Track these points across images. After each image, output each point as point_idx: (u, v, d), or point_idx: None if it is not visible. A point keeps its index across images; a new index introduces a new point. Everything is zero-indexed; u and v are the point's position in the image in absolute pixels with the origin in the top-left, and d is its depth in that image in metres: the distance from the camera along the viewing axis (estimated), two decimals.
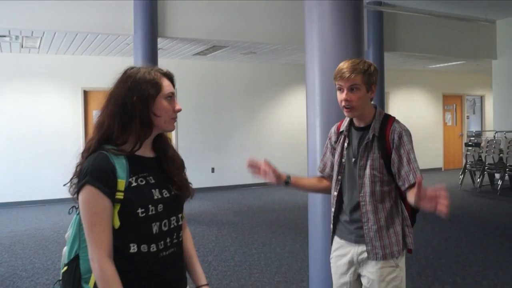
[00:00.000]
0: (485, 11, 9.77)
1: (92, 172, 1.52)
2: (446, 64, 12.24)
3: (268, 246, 5.87)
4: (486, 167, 9.87)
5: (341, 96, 2.23)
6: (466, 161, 10.46)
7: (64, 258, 1.69)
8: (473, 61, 11.47)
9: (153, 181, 1.64)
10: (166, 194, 1.65)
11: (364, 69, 2.21)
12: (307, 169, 3.66)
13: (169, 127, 1.69)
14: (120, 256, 1.56)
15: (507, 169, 9.40)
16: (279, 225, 7.04)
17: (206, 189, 10.40)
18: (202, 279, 1.80)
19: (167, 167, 1.72)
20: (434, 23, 9.95)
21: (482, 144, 10.17)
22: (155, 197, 1.61)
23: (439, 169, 13.62)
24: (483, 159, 9.87)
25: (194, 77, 10.61)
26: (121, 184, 1.56)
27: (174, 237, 1.68)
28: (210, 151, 10.81)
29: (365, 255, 2.28)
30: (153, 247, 1.60)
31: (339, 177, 2.38)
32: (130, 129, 1.61)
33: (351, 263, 2.34)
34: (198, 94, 10.71)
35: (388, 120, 2.30)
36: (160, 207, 1.61)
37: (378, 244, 2.25)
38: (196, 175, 9.68)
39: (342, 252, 2.38)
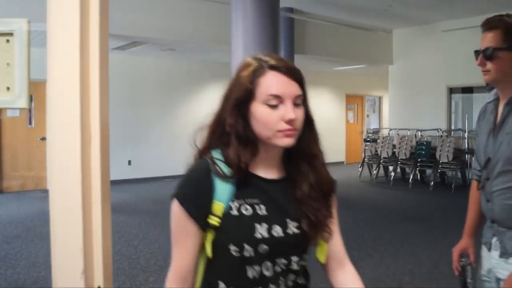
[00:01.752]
0: (384, 21, 10.91)
1: (183, 185, 1.27)
2: (349, 67, 13.37)
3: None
4: (381, 161, 11.02)
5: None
6: (365, 155, 11.59)
7: None
8: (373, 65, 12.66)
9: (263, 213, 1.24)
10: (278, 233, 1.24)
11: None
12: None
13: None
14: None
15: (398, 162, 10.60)
16: None
17: (123, 181, 10.64)
18: None
19: (298, 194, 1.30)
20: (340, 30, 10.92)
21: (378, 140, 11.30)
22: (258, 236, 1.22)
23: (341, 163, 14.79)
24: (379, 153, 11.01)
25: (111, 72, 10.72)
26: (218, 208, 1.23)
27: (282, 283, 1.27)
28: (127, 144, 11.04)
29: None
30: None
31: None
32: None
33: None
34: (115, 88, 10.90)
35: None
36: (262, 248, 1.22)
37: None
38: (113, 168, 9.91)
39: None
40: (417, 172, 10.46)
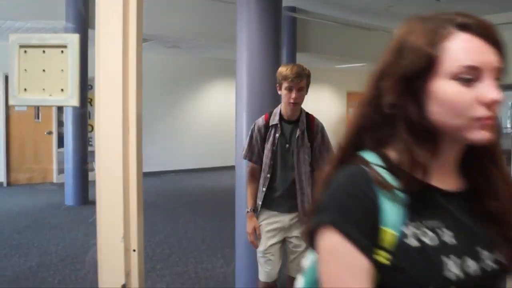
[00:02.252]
0: (384, 21, 11.09)
1: (340, 205, 0.85)
2: (350, 65, 13.58)
3: (192, 223, 6.61)
4: None
5: (290, 94, 2.73)
6: None
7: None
8: (374, 63, 12.84)
9: (452, 241, 0.86)
10: (474, 269, 0.86)
11: (308, 74, 2.79)
12: (235, 153, 4.33)
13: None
14: None
15: None
16: (200, 206, 7.79)
17: None
18: None
19: (492, 209, 0.91)
20: (341, 29, 11.12)
21: None
22: (449, 275, 0.83)
23: None
24: None
25: None
26: (388, 237, 0.83)
27: None
28: None
29: (295, 220, 2.88)
30: None
31: (272, 162, 2.85)
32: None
33: (281, 229, 2.90)
34: None
35: (309, 116, 2.92)
36: None
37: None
38: None
39: (272, 220, 2.91)
40: None
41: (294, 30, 10.07)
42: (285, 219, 2.90)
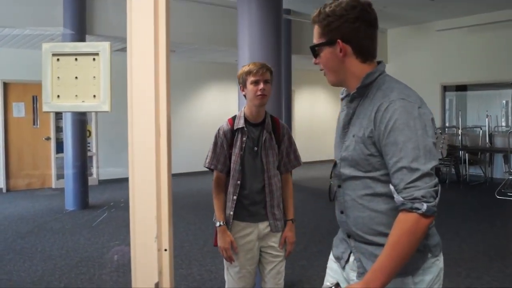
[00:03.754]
0: (379, 21, 11.18)
1: None
2: None
3: (193, 225, 6.64)
4: None
5: (257, 86, 2.62)
6: None
7: None
8: None
9: None
10: None
11: (271, 70, 2.71)
12: None
13: None
14: None
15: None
16: (200, 208, 7.81)
17: (126, 180, 10.85)
18: None
19: None
20: None
21: None
22: None
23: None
24: None
25: (114, 73, 10.99)
26: None
27: None
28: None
29: (268, 229, 2.76)
30: None
31: (240, 167, 2.72)
32: None
33: (255, 240, 2.78)
34: (117, 89, 11.13)
35: (274, 118, 2.82)
36: None
37: (278, 217, 2.76)
38: (117, 167, 10.24)
39: (246, 232, 2.77)
40: None
41: (289, 32, 10.14)
42: (258, 228, 2.78)
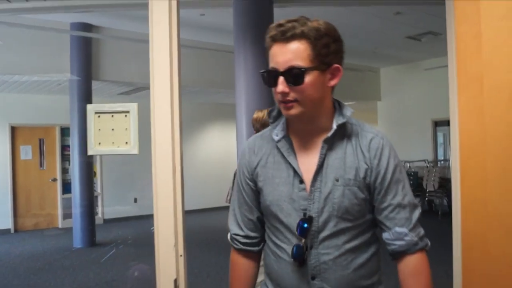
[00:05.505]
0: (371, 61, 11.77)
1: None
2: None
3: (198, 258, 6.95)
4: None
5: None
6: None
7: None
8: (362, 102, 13.47)
9: None
10: None
11: None
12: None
13: None
14: None
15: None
16: (204, 244, 8.13)
17: (130, 218, 11.19)
18: None
19: None
20: None
21: None
22: None
23: None
24: None
25: None
26: None
27: None
28: (133, 182, 11.62)
29: None
30: None
31: None
32: None
33: None
34: None
35: None
36: None
37: None
38: (120, 205, 10.62)
39: None
40: None
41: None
42: None
